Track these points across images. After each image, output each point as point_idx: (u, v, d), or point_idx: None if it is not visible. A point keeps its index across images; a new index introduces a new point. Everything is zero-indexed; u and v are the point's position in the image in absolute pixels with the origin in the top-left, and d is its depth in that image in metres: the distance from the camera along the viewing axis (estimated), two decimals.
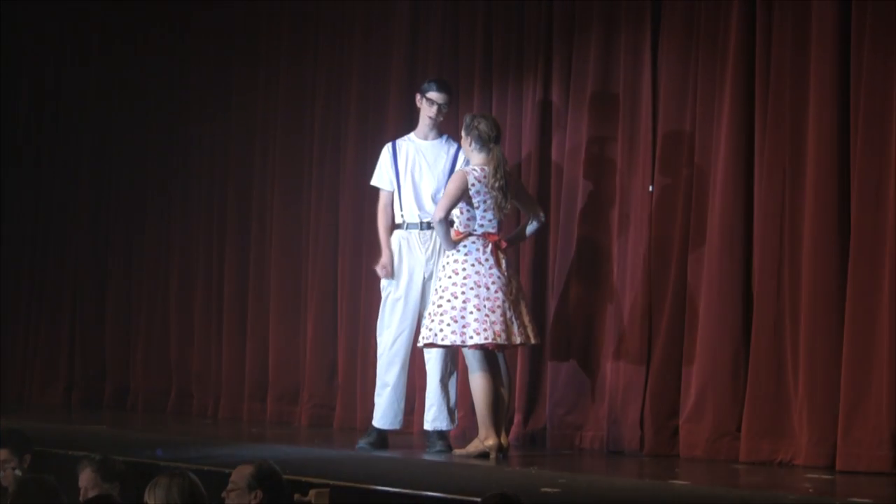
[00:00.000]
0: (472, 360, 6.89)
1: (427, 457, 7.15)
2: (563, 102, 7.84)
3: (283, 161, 9.40)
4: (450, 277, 6.87)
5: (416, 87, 8.31)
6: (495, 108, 8.10)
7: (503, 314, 6.82)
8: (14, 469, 6.23)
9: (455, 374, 7.33)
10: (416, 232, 7.34)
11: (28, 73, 11.15)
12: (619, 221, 7.51)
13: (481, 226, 6.93)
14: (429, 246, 7.31)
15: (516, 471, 6.49)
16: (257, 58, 9.67)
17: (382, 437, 7.42)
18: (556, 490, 5.59)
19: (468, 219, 6.92)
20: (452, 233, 6.95)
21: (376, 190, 7.55)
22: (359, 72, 8.97)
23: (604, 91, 7.64)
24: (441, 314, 6.82)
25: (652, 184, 7.38)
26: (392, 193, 7.43)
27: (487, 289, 6.83)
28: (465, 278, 6.84)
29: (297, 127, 9.35)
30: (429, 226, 7.28)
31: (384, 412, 7.41)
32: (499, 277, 6.87)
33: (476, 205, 6.91)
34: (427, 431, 7.36)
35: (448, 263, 6.92)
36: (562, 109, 7.84)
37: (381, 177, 7.47)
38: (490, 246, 6.92)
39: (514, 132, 8.01)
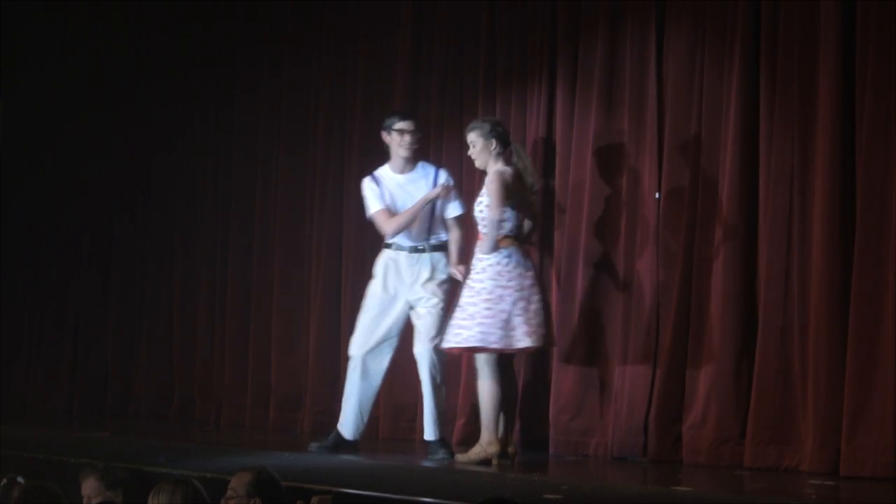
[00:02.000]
0: (485, 366, 6.82)
1: (429, 464, 7.15)
2: (567, 106, 7.84)
3: (287, 167, 9.41)
4: (493, 280, 6.77)
5: (421, 92, 8.38)
6: (499, 111, 8.11)
7: (544, 317, 6.83)
8: (17, 477, 6.23)
9: (444, 385, 7.35)
10: (404, 254, 7.36)
11: (28, 77, 11.15)
12: (625, 226, 7.50)
13: (517, 227, 6.90)
14: (416, 269, 7.34)
15: (519, 477, 6.48)
16: (261, 63, 9.68)
17: (338, 442, 7.43)
18: (558, 497, 5.58)
19: (507, 221, 6.87)
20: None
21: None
22: (363, 77, 8.97)
23: (609, 94, 7.64)
24: (491, 317, 6.72)
25: (659, 189, 7.38)
26: (389, 209, 7.38)
27: (529, 291, 6.81)
28: (509, 281, 6.77)
29: (300, 133, 9.35)
30: (416, 249, 7.33)
31: (346, 420, 7.45)
32: (536, 280, 6.88)
33: (512, 206, 6.87)
34: (429, 441, 7.35)
35: (490, 266, 6.81)
36: (567, 113, 7.84)
37: (378, 200, 7.41)
38: (523, 249, 6.91)
39: (518, 136, 7.99)
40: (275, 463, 5.98)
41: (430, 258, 7.36)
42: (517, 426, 7.74)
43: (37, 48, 11.05)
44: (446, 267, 7.36)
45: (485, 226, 6.88)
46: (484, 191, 6.93)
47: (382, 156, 7.64)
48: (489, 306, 6.76)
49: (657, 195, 7.39)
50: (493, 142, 6.90)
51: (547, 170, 7.89)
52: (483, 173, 7.14)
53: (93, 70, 10.80)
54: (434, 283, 7.33)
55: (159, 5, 10.31)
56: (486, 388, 6.84)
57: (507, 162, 6.93)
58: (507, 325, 6.74)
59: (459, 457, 7.01)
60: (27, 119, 11.12)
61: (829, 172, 6.66)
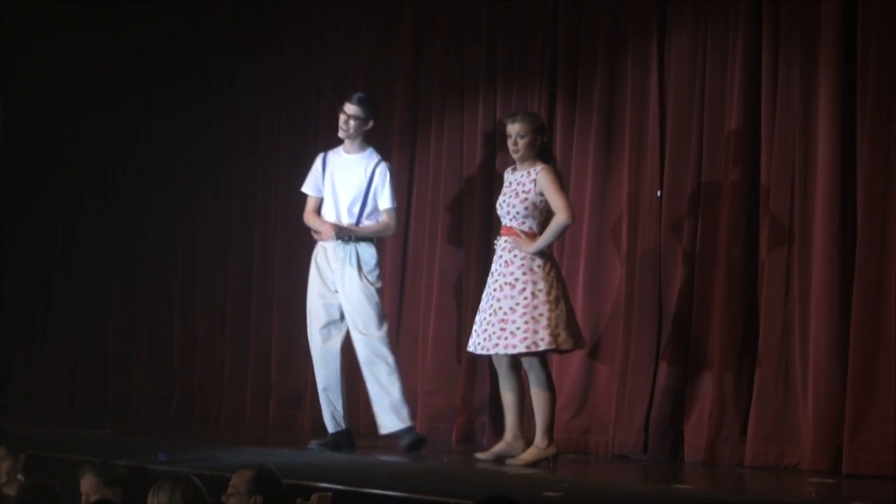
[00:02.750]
0: (540, 368, 6.71)
1: (406, 455, 7.20)
2: (569, 104, 7.83)
3: (287, 165, 9.39)
4: (546, 281, 6.64)
5: (421, 92, 8.37)
6: (499, 110, 8.10)
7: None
8: (11, 470, 6.24)
9: (395, 373, 7.34)
10: (332, 243, 7.40)
11: (29, 77, 11.14)
12: (627, 226, 7.49)
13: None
14: (343, 257, 7.38)
15: (519, 474, 6.47)
16: (262, 61, 9.68)
17: (337, 439, 7.45)
18: (558, 494, 5.58)
19: (545, 220, 6.75)
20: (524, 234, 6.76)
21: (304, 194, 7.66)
22: (364, 77, 8.96)
23: (611, 92, 7.64)
24: (559, 317, 6.62)
25: (660, 187, 7.38)
26: (319, 201, 7.54)
27: (567, 291, 6.80)
28: (558, 281, 6.70)
29: (300, 133, 9.34)
30: (343, 238, 7.38)
31: (323, 413, 7.50)
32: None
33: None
34: (395, 432, 7.36)
35: (539, 266, 6.67)
36: (568, 111, 7.84)
37: (310, 184, 7.60)
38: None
39: None
40: (275, 460, 5.97)
41: (355, 248, 7.38)
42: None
43: (38, 43, 11.03)
44: (372, 258, 7.40)
45: (523, 222, 6.73)
46: (529, 187, 6.73)
47: (385, 156, 7.67)
48: (551, 307, 6.62)
49: (658, 193, 7.39)
50: (539, 138, 6.81)
51: None
52: (503, 166, 7.10)
53: (92, 67, 10.79)
54: (362, 275, 7.36)
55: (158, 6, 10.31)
56: (547, 390, 6.72)
57: (545, 160, 6.84)
58: (568, 325, 6.67)
59: (511, 461, 6.80)
60: (28, 118, 11.11)
61: (831, 171, 6.67)
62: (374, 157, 7.50)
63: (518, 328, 6.62)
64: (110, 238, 10.62)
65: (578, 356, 7.54)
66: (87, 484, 5.70)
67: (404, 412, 7.32)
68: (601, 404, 7.52)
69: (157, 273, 10.25)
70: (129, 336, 10.39)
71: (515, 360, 6.77)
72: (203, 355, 9.83)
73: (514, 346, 6.64)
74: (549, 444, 6.74)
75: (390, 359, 7.34)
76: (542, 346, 6.59)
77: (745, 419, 6.92)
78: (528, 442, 6.84)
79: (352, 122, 7.44)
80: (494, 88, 8.21)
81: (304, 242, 9.20)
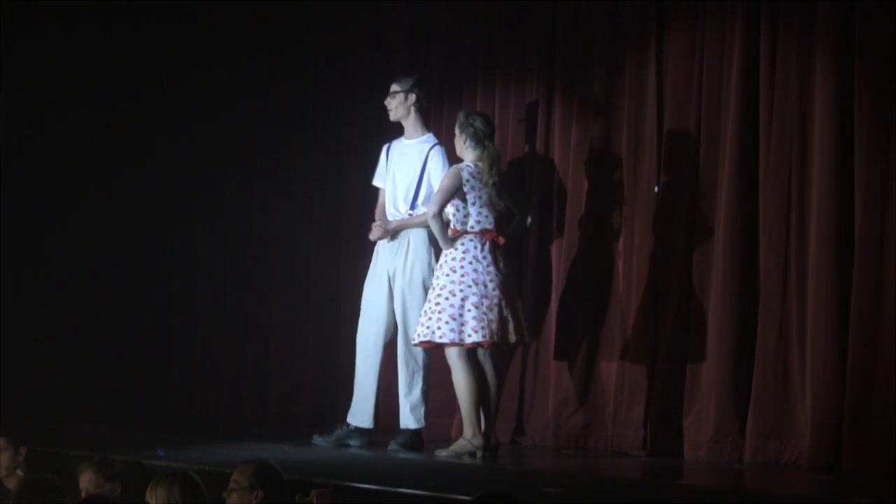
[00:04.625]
0: (456, 360, 6.86)
1: (396, 453, 7.22)
2: (567, 101, 7.83)
3: (287, 160, 9.40)
4: (447, 275, 6.87)
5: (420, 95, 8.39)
6: (498, 107, 8.10)
7: (500, 312, 6.83)
8: (11, 463, 6.25)
9: (419, 373, 7.37)
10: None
11: (32, 66, 11.12)
12: (624, 221, 7.50)
13: (478, 222, 6.93)
14: (396, 244, 7.40)
15: (519, 470, 6.48)
16: (259, 61, 9.66)
17: (342, 434, 7.50)
18: (557, 490, 5.58)
19: (464, 216, 6.93)
20: (449, 231, 6.96)
21: (377, 189, 7.66)
22: (362, 78, 8.95)
23: (609, 88, 7.64)
24: (439, 312, 6.82)
25: (657, 184, 7.38)
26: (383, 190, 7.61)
27: (485, 287, 6.83)
28: (462, 276, 6.84)
29: (300, 126, 9.34)
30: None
31: (353, 409, 7.50)
32: (496, 275, 6.87)
33: (472, 201, 6.92)
34: (407, 430, 7.38)
35: (446, 262, 6.92)
36: (566, 107, 7.83)
37: (378, 176, 7.65)
38: (488, 244, 6.92)
39: (517, 131, 8.00)
40: (274, 456, 5.98)
41: (407, 240, 7.39)
42: (519, 419, 7.77)
43: (39, 49, 11.02)
44: (425, 249, 7.38)
45: (453, 221, 6.97)
46: None
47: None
48: (439, 301, 6.84)
49: (656, 188, 7.39)
50: (465, 136, 7.01)
51: (546, 166, 7.89)
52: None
53: (89, 68, 10.76)
54: (412, 261, 7.37)
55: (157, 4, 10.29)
56: (460, 383, 6.87)
57: (481, 158, 7.00)
58: (456, 320, 6.79)
59: (441, 451, 6.95)
60: (27, 115, 11.09)
61: (828, 166, 6.66)
62: (431, 141, 7.47)
63: (419, 322, 6.97)
64: (108, 229, 10.59)
65: (578, 352, 7.56)
66: (87, 479, 5.71)
67: (420, 412, 7.38)
68: (600, 400, 7.52)
69: (156, 266, 10.24)
70: (127, 330, 10.37)
71: (471, 357, 6.89)
72: (202, 349, 9.82)
73: (413, 340, 7.06)
74: (473, 434, 6.84)
75: (421, 357, 7.36)
76: (421, 338, 6.90)
77: (744, 415, 6.92)
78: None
79: (392, 100, 7.45)
80: (493, 86, 8.20)
81: (303, 233, 9.23)
